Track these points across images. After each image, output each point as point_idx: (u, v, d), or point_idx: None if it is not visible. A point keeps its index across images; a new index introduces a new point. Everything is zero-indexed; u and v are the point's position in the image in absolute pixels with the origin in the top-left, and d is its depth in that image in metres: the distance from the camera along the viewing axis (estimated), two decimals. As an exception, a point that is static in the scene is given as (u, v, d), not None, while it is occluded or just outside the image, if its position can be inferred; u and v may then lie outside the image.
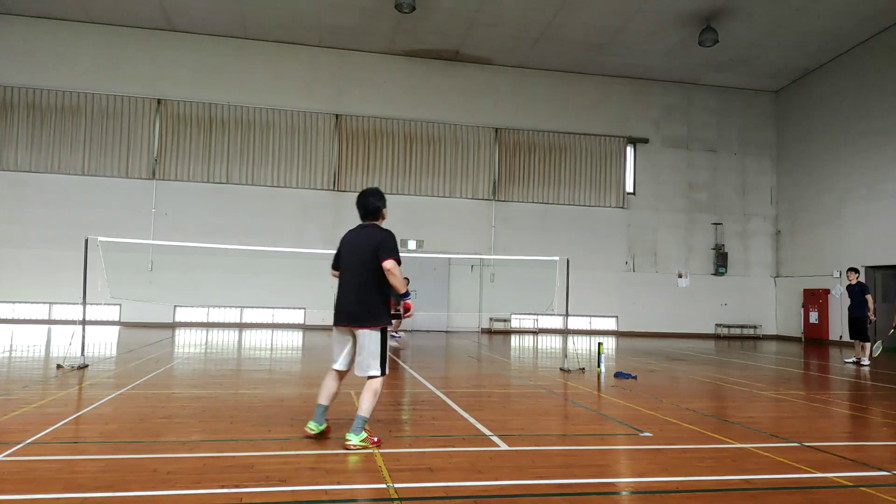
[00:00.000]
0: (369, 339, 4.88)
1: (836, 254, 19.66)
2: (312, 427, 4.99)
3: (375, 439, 4.87)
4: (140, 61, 19.18)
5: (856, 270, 13.44)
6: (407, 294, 5.19)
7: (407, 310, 5.31)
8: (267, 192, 19.65)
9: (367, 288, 4.91)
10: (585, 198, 21.48)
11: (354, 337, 4.97)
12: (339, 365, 5.08)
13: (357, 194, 5.30)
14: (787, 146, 22.37)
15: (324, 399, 5.06)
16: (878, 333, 15.36)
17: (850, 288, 13.44)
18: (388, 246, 4.88)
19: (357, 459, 4.51)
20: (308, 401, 6.86)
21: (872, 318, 13.12)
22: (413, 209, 20.29)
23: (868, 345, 12.93)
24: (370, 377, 4.90)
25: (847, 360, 13.34)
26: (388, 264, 4.83)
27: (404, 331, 19.44)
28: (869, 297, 13.11)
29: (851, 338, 13.34)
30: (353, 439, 4.71)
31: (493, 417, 6.11)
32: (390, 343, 6.22)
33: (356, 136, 20.25)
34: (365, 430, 4.80)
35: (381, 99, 20.41)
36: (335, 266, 5.20)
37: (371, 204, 5.15)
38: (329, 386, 5.10)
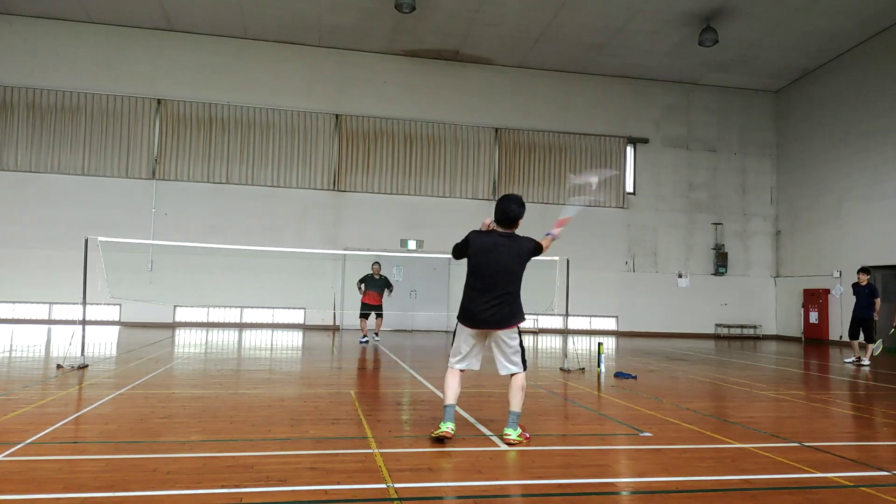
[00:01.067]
0: (511, 338, 5.15)
1: (836, 254, 19.66)
2: (451, 428, 4.99)
3: (528, 435, 5.16)
4: (140, 61, 19.18)
5: (867, 271, 13.33)
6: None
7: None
8: (267, 192, 19.65)
9: (514, 294, 5.13)
10: (586, 198, 21.42)
11: (485, 339, 5.19)
12: (469, 365, 5.22)
13: (502, 198, 5.30)
14: (787, 146, 22.37)
15: (453, 399, 5.13)
16: (879, 333, 15.35)
17: (858, 288, 13.28)
18: (537, 247, 5.26)
19: (357, 459, 4.51)
20: (308, 401, 6.87)
21: (877, 318, 13.10)
22: (413, 209, 20.30)
23: (871, 345, 12.88)
24: (514, 374, 5.17)
25: (847, 360, 13.29)
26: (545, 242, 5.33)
27: (407, 330, 19.44)
28: (877, 300, 13.03)
29: (851, 337, 13.21)
30: (512, 434, 5.00)
31: (493, 417, 6.11)
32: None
33: (356, 136, 20.25)
34: (519, 425, 5.11)
35: (381, 99, 20.41)
36: (460, 256, 5.29)
37: (513, 211, 5.18)
38: (456, 386, 5.20)
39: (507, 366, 5.15)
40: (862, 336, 13.00)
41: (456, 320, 5.23)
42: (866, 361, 12.70)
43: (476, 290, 5.11)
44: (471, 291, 5.13)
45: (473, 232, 5.25)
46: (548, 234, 5.42)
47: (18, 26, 18.49)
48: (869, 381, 10.30)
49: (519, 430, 5.05)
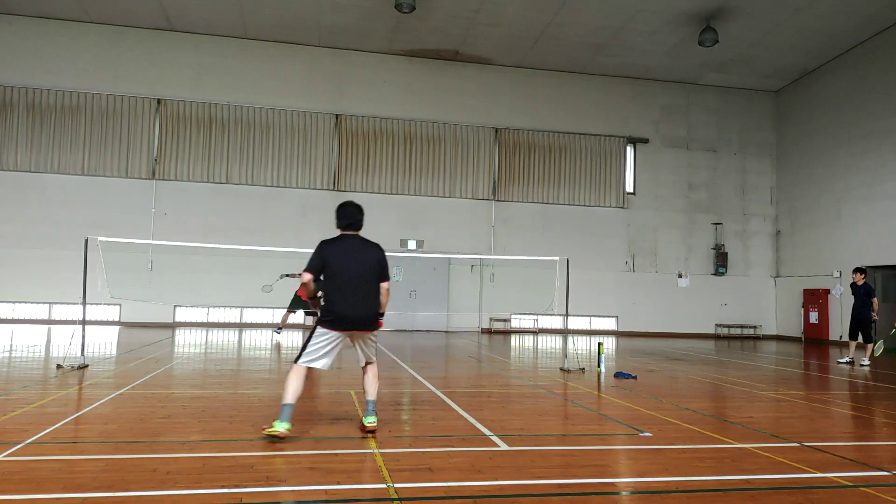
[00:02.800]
0: (373, 336, 5.47)
1: (836, 254, 19.67)
2: (287, 427, 4.92)
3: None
4: (140, 61, 19.18)
5: (862, 271, 13.21)
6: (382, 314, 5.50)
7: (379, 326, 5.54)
8: (267, 192, 19.65)
9: (375, 296, 5.35)
10: (585, 198, 21.49)
11: (347, 340, 5.35)
12: (327, 366, 5.26)
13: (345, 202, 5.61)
14: (787, 146, 22.37)
15: (293, 398, 5.05)
16: (879, 333, 15.33)
17: (855, 288, 13.18)
18: (387, 267, 5.45)
19: (357, 459, 4.51)
20: (308, 400, 6.86)
21: (876, 318, 13.00)
22: (413, 209, 20.30)
23: (870, 346, 12.80)
24: (369, 363, 5.48)
25: (840, 361, 13.09)
26: (387, 286, 5.43)
27: (406, 330, 19.45)
28: (874, 300, 12.94)
29: (851, 338, 13.12)
30: (375, 420, 5.26)
31: (493, 417, 6.11)
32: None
33: (356, 136, 20.25)
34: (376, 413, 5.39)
35: (380, 99, 20.41)
36: (317, 274, 5.24)
37: (353, 215, 5.52)
38: (300, 386, 5.15)
39: (367, 357, 5.47)
40: (861, 337, 12.88)
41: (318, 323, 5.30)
42: (865, 362, 12.58)
43: (346, 292, 5.25)
44: (342, 294, 5.23)
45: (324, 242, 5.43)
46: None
47: (18, 26, 18.49)
48: (869, 382, 10.30)
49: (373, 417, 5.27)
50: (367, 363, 5.47)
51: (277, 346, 13.62)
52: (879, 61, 18.52)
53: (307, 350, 5.18)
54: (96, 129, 18.85)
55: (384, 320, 5.48)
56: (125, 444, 4.80)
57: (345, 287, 5.21)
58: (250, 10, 18.05)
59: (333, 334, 5.21)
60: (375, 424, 5.22)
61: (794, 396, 8.23)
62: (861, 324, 12.93)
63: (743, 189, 22.71)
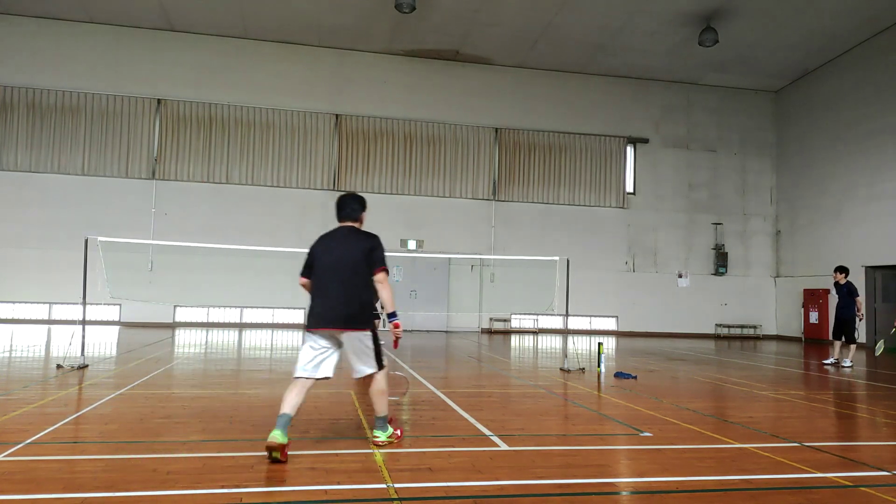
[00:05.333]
0: (360, 340, 4.69)
1: (836, 254, 19.64)
2: (277, 437, 4.34)
3: (399, 431, 5.05)
4: (140, 61, 19.17)
5: (842, 270, 12.82)
6: (394, 314, 4.76)
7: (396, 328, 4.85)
8: (267, 192, 19.65)
9: (359, 290, 4.71)
10: (585, 198, 21.48)
11: (338, 342, 4.75)
12: (319, 373, 4.70)
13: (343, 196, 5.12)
14: (787, 146, 22.37)
15: (290, 409, 4.54)
16: (879, 333, 15.34)
17: (838, 287, 12.84)
18: (379, 256, 4.76)
19: (357, 459, 4.51)
20: (308, 401, 6.85)
21: (861, 317, 12.59)
22: (413, 209, 20.29)
23: (853, 346, 12.50)
24: (370, 376, 4.83)
25: (825, 362, 12.77)
26: (381, 276, 4.70)
27: (406, 331, 19.45)
28: (858, 298, 12.58)
29: (834, 338, 12.80)
30: (381, 436, 4.86)
31: (493, 417, 6.11)
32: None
33: (356, 135, 20.25)
34: (389, 422, 4.94)
35: (380, 99, 20.41)
36: (307, 274, 4.86)
37: (344, 204, 5.00)
38: (298, 397, 4.62)
39: (360, 369, 4.77)
40: (844, 337, 12.55)
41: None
42: (847, 363, 12.17)
43: (322, 289, 4.75)
44: (320, 292, 4.76)
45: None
46: (391, 318, 4.80)
47: (18, 26, 18.49)
48: (868, 382, 10.30)
49: (390, 430, 4.89)
50: (367, 376, 4.78)
51: None
52: (879, 61, 18.51)
53: (298, 358, 4.71)
54: (96, 129, 18.84)
55: (399, 322, 4.76)
56: (125, 444, 4.80)
57: (322, 280, 4.68)
58: (250, 10, 18.05)
59: (314, 336, 4.67)
60: (381, 439, 4.83)
61: (795, 396, 8.23)
62: (844, 324, 12.59)
63: (743, 189, 22.71)
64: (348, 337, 4.66)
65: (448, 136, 20.83)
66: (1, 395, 6.71)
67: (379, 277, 4.68)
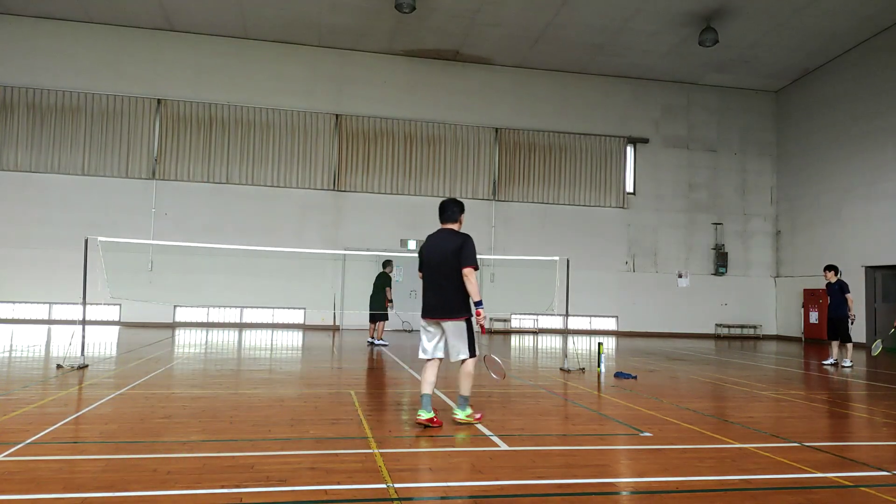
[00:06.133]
0: (456, 328, 5.53)
1: (836, 254, 19.63)
2: (422, 414, 5.42)
3: (478, 415, 5.77)
4: (140, 61, 19.18)
5: (833, 268, 12.70)
6: (479, 303, 5.53)
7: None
8: (267, 192, 19.65)
9: (454, 284, 5.53)
10: (585, 198, 21.48)
11: (443, 330, 5.62)
12: (438, 353, 5.66)
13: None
14: (787, 146, 22.37)
15: (427, 388, 5.52)
16: (878, 333, 15.33)
17: (829, 287, 12.73)
18: (467, 253, 5.54)
19: (357, 459, 4.51)
20: (308, 401, 6.87)
21: (853, 316, 12.49)
22: (413, 209, 20.28)
23: (849, 345, 12.46)
24: (462, 360, 5.61)
25: (825, 363, 12.77)
26: (467, 271, 5.51)
27: (406, 331, 19.44)
28: (849, 296, 12.45)
29: (830, 338, 12.75)
30: (460, 414, 5.64)
31: (493, 417, 6.11)
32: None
33: (356, 136, 20.25)
34: (469, 405, 5.71)
35: (381, 99, 20.41)
36: (422, 270, 5.81)
37: (443, 208, 5.91)
38: (431, 376, 5.59)
39: (454, 353, 5.60)
40: (839, 337, 12.49)
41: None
42: (847, 363, 12.18)
43: (428, 283, 5.79)
44: (425, 286, 5.86)
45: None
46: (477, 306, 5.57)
47: (18, 26, 18.49)
48: (867, 382, 10.30)
49: (469, 411, 5.67)
50: (459, 360, 5.58)
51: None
52: (879, 61, 18.51)
53: (420, 344, 5.76)
54: (96, 129, 18.84)
55: (481, 310, 5.48)
56: (125, 444, 4.80)
57: (428, 276, 5.68)
58: (250, 10, 18.05)
59: (425, 324, 5.67)
60: (460, 416, 5.60)
61: (795, 396, 8.23)
62: (837, 323, 12.52)
63: (743, 189, 22.71)
64: (447, 325, 5.55)
65: (448, 136, 20.82)
66: (1, 395, 6.71)
67: (465, 272, 5.51)
